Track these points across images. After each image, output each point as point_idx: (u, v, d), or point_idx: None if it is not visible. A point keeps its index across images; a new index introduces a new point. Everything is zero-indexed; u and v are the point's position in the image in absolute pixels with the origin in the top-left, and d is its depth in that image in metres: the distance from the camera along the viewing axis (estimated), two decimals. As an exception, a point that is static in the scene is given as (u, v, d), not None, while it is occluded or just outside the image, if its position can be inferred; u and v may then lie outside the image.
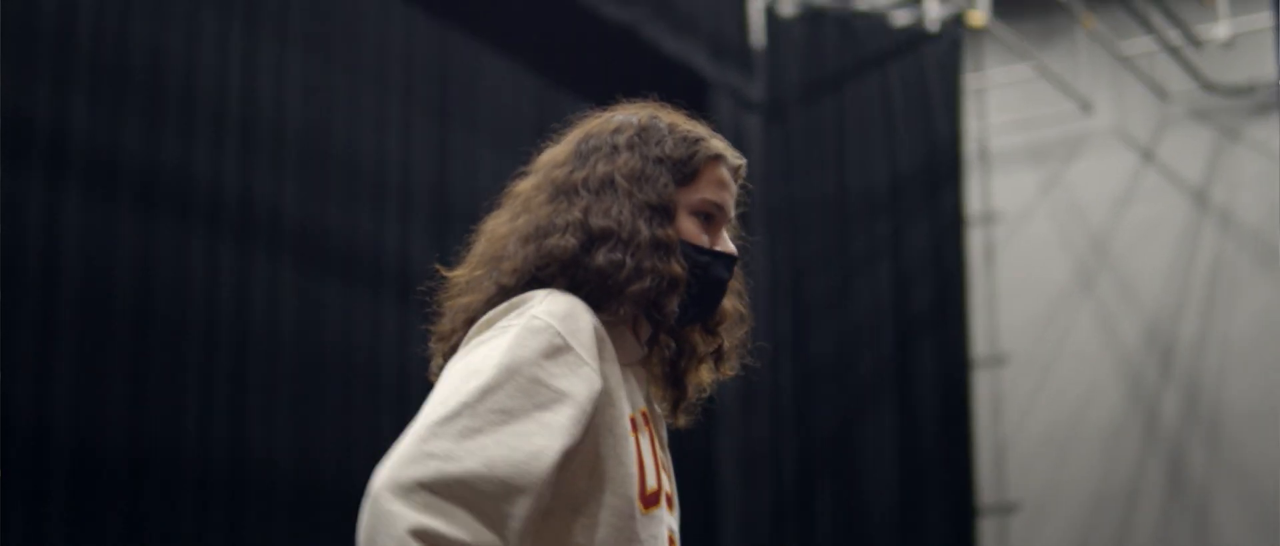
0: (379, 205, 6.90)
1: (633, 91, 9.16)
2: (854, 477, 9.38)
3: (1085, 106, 10.35)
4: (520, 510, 2.20)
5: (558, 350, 2.33)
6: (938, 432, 9.40)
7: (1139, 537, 9.81)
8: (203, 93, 6.18)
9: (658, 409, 2.63)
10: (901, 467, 9.33)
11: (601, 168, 2.54)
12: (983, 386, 10.04)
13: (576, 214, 2.49)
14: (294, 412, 6.40)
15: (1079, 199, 10.44)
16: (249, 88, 6.36)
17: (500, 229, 2.57)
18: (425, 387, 2.41)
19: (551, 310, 2.36)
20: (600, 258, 2.45)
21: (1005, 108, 10.66)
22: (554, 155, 2.62)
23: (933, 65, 9.73)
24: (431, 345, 2.63)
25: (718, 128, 8.54)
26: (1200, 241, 9.94)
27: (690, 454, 7.06)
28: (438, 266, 2.62)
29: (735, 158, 2.64)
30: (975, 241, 10.12)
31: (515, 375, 2.28)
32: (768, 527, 9.13)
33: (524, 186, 2.61)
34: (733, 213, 2.63)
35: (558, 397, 2.30)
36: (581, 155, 2.58)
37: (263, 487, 6.23)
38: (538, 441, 2.25)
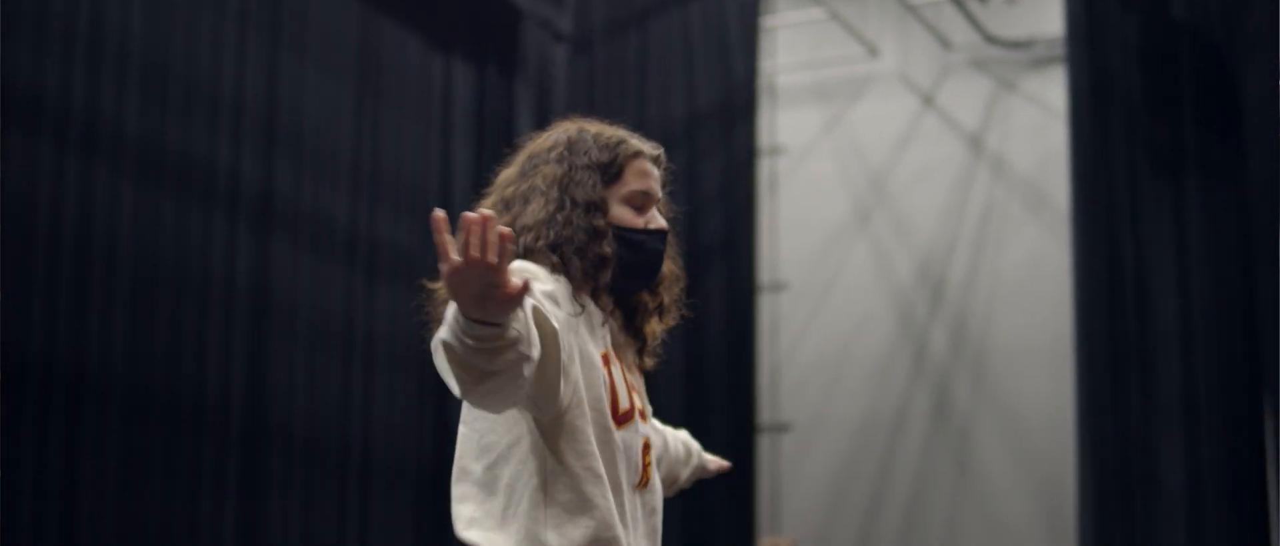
0: (213, 121, 7.06)
1: (450, 19, 9.39)
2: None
3: (871, 51, 10.78)
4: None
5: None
6: (724, 354, 9.76)
7: (903, 462, 10.25)
8: (52, 10, 6.28)
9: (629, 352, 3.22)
10: (688, 386, 9.65)
11: (538, 180, 3.09)
12: (762, 312, 10.41)
13: (520, 220, 3.06)
14: (129, 323, 6.56)
15: (860, 139, 10.83)
16: (97, 7, 6.48)
17: None
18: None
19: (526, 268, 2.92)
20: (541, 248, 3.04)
21: (794, 48, 11.02)
22: (506, 175, 3.18)
23: (733, 4, 10.07)
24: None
25: (526, 57, 8.73)
26: (973, 185, 10.41)
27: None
28: (423, 282, 3.09)
29: (653, 149, 3.20)
30: (760, 174, 10.44)
31: None
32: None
33: (487, 203, 3.14)
34: (660, 193, 3.20)
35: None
36: (524, 173, 3.13)
37: (98, 393, 6.37)
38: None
